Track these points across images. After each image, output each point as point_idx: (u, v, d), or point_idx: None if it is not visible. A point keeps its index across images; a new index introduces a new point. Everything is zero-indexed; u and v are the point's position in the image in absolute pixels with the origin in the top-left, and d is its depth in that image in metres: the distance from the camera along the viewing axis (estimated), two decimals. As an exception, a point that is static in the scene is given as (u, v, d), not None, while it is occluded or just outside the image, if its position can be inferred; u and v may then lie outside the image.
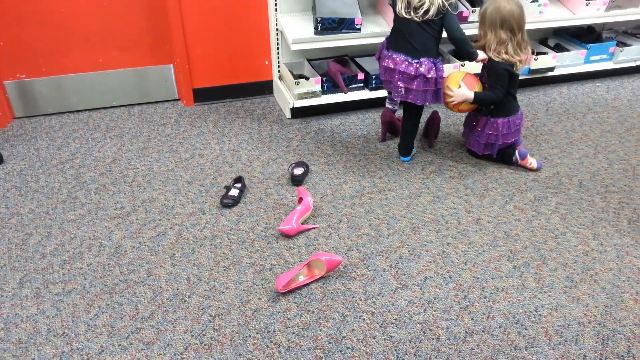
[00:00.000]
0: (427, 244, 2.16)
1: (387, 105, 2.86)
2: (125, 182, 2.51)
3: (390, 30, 2.49)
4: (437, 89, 2.43)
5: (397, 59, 2.38)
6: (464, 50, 2.44)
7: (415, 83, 2.39)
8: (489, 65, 2.51)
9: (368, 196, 2.44)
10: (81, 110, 3.10)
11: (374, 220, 2.29)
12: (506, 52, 2.43)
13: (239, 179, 2.45)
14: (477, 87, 2.49)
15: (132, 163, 2.65)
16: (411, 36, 2.35)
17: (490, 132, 2.58)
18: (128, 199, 2.39)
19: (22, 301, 1.87)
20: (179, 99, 3.24)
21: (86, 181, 2.51)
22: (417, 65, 2.36)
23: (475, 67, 3.15)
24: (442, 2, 2.26)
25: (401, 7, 2.32)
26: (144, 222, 2.25)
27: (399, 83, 2.42)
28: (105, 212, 2.31)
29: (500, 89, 2.47)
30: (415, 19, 2.30)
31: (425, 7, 2.26)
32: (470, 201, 2.42)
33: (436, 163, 2.69)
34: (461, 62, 3.14)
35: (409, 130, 2.64)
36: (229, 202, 2.32)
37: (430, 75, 2.37)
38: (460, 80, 2.46)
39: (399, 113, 2.88)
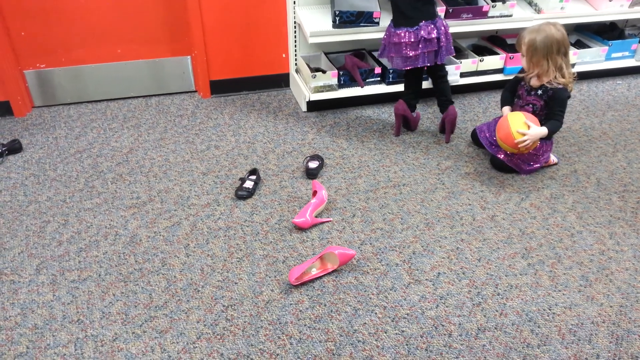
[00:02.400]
0: (441, 240, 2.15)
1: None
2: (141, 172, 2.53)
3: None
4: (439, 47, 2.57)
5: (401, 33, 2.54)
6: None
7: (419, 47, 2.54)
8: (549, 93, 2.43)
9: (382, 191, 2.43)
10: (99, 101, 3.14)
11: (387, 215, 2.28)
12: (563, 77, 2.40)
13: (253, 171, 2.46)
14: (537, 121, 2.43)
15: (149, 153, 2.67)
16: (404, 5, 2.51)
17: (535, 153, 2.52)
18: (144, 189, 2.41)
19: (38, 287, 1.90)
20: (195, 91, 3.26)
21: (103, 170, 2.54)
22: (418, 31, 2.51)
23: (496, 62, 3.13)
24: None
25: None
26: (159, 212, 2.27)
27: (408, 53, 2.56)
28: (122, 201, 2.33)
29: (563, 115, 2.45)
30: None
31: None
32: (485, 198, 2.40)
33: (452, 159, 2.68)
34: (480, 58, 3.11)
35: (411, 93, 2.79)
36: (243, 194, 2.34)
37: (433, 36, 2.52)
38: (525, 121, 2.38)
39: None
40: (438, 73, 2.73)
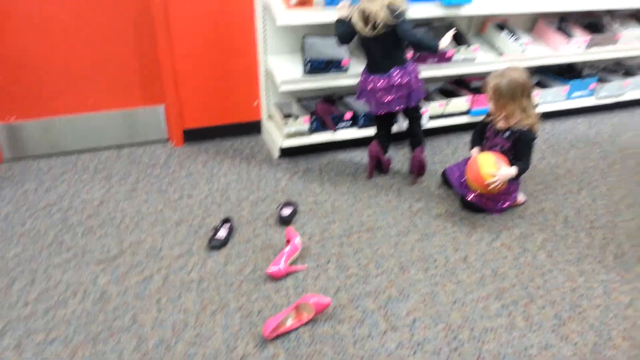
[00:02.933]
0: (416, 284, 2.16)
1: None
2: (112, 224, 2.50)
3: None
4: (411, 91, 2.66)
5: (374, 79, 2.63)
6: (425, 49, 2.61)
7: (392, 92, 2.63)
8: (516, 135, 2.50)
9: (356, 235, 2.44)
10: (70, 152, 3.11)
11: (362, 259, 2.29)
12: (529, 118, 2.49)
13: (227, 220, 2.45)
14: (506, 161, 2.50)
15: (120, 205, 2.65)
16: (376, 54, 2.60)
17: (504, 193, 2.57)
18: (115, 242, 2.38)
19: (2, 351, 1.84)
20: (168, 140, 3.26)
21: (73, 224, 2.50)
22: (390, 77, 2.60)
23: (462, 105, 3.22)
24: (387, 15, 2.42)
25: (361, 24, 2.51)
26: (130, 265, 2.23)
27: (382, 99, 2.64)
28: (92, 255, 2.29)
29: (530, 156, 2.54)
30: (370, 36, 2.50)
31: (372, 22, 2.46)
32: (457, 239, 2.44)
33: (423, 200, 2.72)
34: (446, 100, 3.20)
35: (383, 135, 2.87)
36: (217, 244, 2.32)
37: (404, 81, 2.60)
38: (495, 162, 2.45)
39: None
40: (412, 115, 2.82)
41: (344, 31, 2.62)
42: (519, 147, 2.53)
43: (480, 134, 2.71)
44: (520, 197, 2.69)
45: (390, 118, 2.84)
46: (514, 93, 2.45)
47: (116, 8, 2.81)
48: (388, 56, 2.59)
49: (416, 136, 2.86)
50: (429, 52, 2.71)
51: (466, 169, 2.55)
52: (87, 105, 3.03)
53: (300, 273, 2.20)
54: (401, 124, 3.00)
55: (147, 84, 3.07)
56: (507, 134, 2.54)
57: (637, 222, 2.57)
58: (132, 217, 2.55)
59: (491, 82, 2.48)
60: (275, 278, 2.16)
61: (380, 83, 2.62)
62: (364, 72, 2.71)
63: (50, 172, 2.93)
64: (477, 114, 3.22)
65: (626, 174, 2.99)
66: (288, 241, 2.28)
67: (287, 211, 2.53)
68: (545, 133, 3.44)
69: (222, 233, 2.36)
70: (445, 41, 2.59)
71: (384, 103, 2.66)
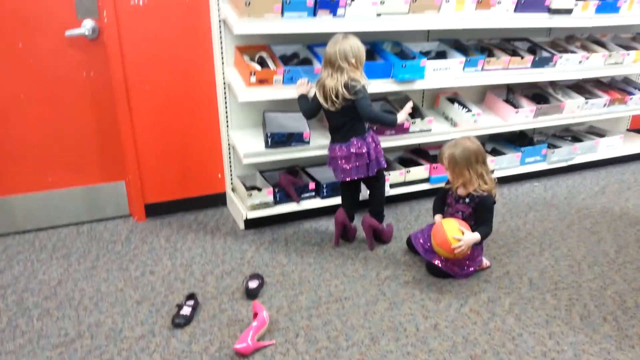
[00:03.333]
0: (387, 355, 2.11)
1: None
2: (70, 306, 2.39)
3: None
4: (369, 161, 2.71)
5: (336, 148, 2.72)
6: (383, 124, 2.78)
7: (352, 160, 2.69)
8: (476, 201, 2.59)
9: (325, 306, 2.40)
10: (28, 231, 3.01)
11: (332, 332, 2.24)
12: (486, 183, 2.58)
13: (191, 296, 2.38)
14: (468, 227, 2.56)
15: (79, 284, 2.54)
16: (337, 125, 2.69)
17: (469, 257, 2.62)
18: (73, 324, 2.26)
19: None
20: (130, 215, 3.20)
21: (29, 307, 2.37)
22: (349, 146, 2.67)
23: (422, 173, 3.31)
24: (343, 90, 2.53)
25: (321, 99, 2.61)
26: (89, 349, 2.11)
27: (343, 166, 2.71)
28: (48, 340, 2.16)
29: (491, 220, 2.62)
30: (331, 109, 2.60)
31: (332, 97, 2.56)
32: (426, 306, 2.42)
33: (390, 268, 2.72)
34: (407, 169, 3.28)
35: (349, 203, 2.90)
36: (180, 322, 2.24)
37: (363, 151, 2.67)
38: (460, 227, 2.51)
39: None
40: (372, 183, 2.86)
41: (309, 107, 2.73)
42: (480, 213, 2.60)
43: (442, 200, 2.78)
44: (485, 262, 2.73)
45: (356, 186, 2.88)
46: (468, 161, 2.55)
47: (75, 85, 2.84)
48: (348, 127, 2.66)
49: (372, 204, 2.90)
50: (387, 127, 2.85)
51: (432, 234, 2.59)
52: (46, 183, 2.97)
53: (268, 348, 2.13)
54: (364, 192, 3.04)
55: (107, 160, 3.05)
56: (468, 200, 2.62)
57: (599, 281, 2.63)
58: (91, 297, 2.44)
59: (446, 152, 2.59)
60: (243, 355, 2.08)
61: (341, 151, 2.69)
62: (330, 142, 2.79)
63: (5, 252, 2.80)
64: (437, 181, 3.31)
65: (584, 234, 3.08)
66: (255, 315, 2.22)
67: (253, 284, 2.48)
68: (503, 197, 3.55)
69: (186, 310, 2.28)
70: (403, 115, 2.75)
71: (345, 170, 2.72)
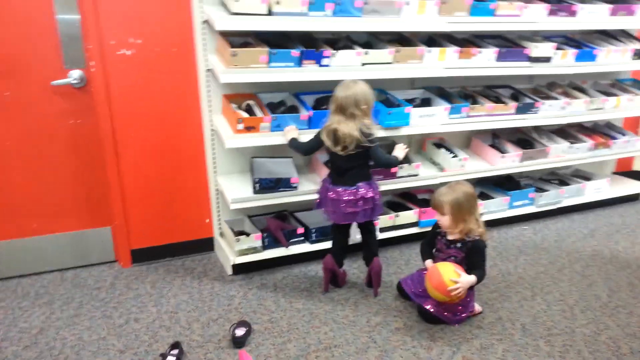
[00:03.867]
0: (378, 404, 2.05)
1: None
2: (51, 355, 2.31)
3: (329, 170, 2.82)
4: (374, 205, 2.73)
5: (340, 191, 2.68)
6: (393, 166, 2.98)
7: (359, 205, 2.67)
8: (469, 245, 2.58)
9: (314, 355, 2.34)
10: (10, 278, 2.94)
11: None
12: (479, 227, 2.59)
13: (176, 345, 2.31)
14: (463, 270, 2.54)
15: (61, 333, 2.47)
16: (344, 168, 2.67)
17: (461, 303, 2.59)
18: (52, 376, 2.18)
19: None
20: (116, 261, 3.15)
21: (7, 357, 2.29)
22: (356, 190, 2.66)
23: (411, 217, 3.30)
24: (360, 137, 2.55)
25: (330, 142, 2.61)
26: (67, 401, 2.03)
27: (346, 210, 2.68)
28: (24, 392, 2.08)
29: (485, 264, 2.61)
30: (341, 153, 2.59)
31: (345, 143, 2.57)
32: (418, 354, 2.37)
33: (381, 314, 2.67)
34: (396, 213, 3.28)
35: (338, 248, 2.87)
36: (164, 372, 2.17)
37: (369, 195, 2.68)
38: (456, 270, 2.50)
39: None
40: (368, 227, 2.86)
41: (308, 145, 2.73)
42: (473, 257, 2.58)
43: (430, 245, 2.76)
44: (477, 307, 2.69)
45: (346, 230, 2.86)
46: (471, 205, 2.56)
47: (61, 133, 2.85)
48: (356, 172, 2.67)
49: (371, 249, 2.87)
50: (392, 166, 2.98)
51: (426, 277, 2.55)
52: (30, 229, 2.93)
53: (255, 399, 2.06)
54: (354, 237, 3.02)
55: (93, 206, 3.03)
56: (460, 244, 2.60)
57: (592, 326, 2.60)
58: (72, 347, 2.37)
59: (446, 198, 2.55)
60: (228, 406, 2.00)
61: (346, 195, 2.66)
62: (325, 182, 2.76)
63: (-16, 301, 2.74)
64: (426, 224, 3.31)
65: (576, 278, 3.06)
66: (241, 364, 2.15)
67: (240, 332, 2.42)
68: (493, 241, 3.54)
69: None
70: (401, 153, 2.82)
71: (348, 214, 2.69)
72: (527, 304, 2.79)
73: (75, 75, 2.78)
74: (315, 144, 2.70)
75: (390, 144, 3.34)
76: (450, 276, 2.46)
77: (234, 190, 2.94)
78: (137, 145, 2.96)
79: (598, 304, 2.80)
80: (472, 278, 2.49)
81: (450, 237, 2.62)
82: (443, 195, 2.57)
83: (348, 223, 2.79)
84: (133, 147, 2.95)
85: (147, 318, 2.60)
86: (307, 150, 2.77)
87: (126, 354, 2.33)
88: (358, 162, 2.66)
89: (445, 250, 2.64)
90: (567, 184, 4.02)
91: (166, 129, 2.99)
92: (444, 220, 2.58)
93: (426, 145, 3.58)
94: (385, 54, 2.99)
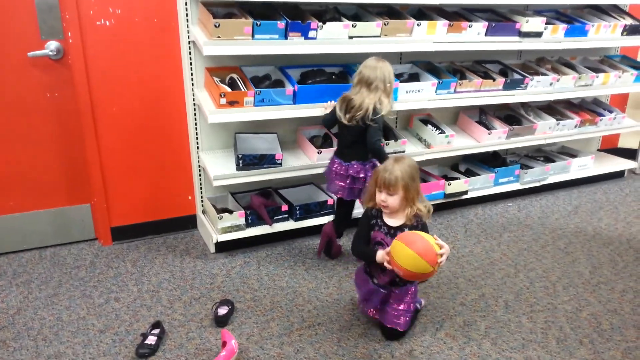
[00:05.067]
0: (361, 383, 2.04)
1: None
2: (29, 336, 2.26)
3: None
4: (363, 188, 2.64)
5: (335, 162, 2.74)
6: (379, 159, 2.64)
7: (347, 182, 2.68)
8: (419, 228, 2.21)
9: (297, 333, 2.32)
10: (-15, 256, 2.88)
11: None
12: (425, 205, 2.24)
13: (157, 324, 2.28)
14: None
15: (39, 313, 2.42)
16: (345, 142, 2.71)
17: (410, 299, 2.28)
18: (31, 356, 2.14)
19: None
20: (96, 239, 3.09)
21: (-18, 338, 2.24)
22: (348, 167, 2.68)
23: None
24: (369, 111, 2.53)
25: (341, 111, 2.63)
26: (46, 383, 2.00)
27: (336, 182, 2.73)
28: (1, 374, 2.04)
29: None
30: (346, 123, 2.60)
31: (353, 113, 2.57)
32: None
33: (365, 292, 2.65)
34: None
35: (339, 219, 2.89)
36: (145, 352, 2.13)
37: (360, 176, 2.66)
38: (432, 235, 2.12)
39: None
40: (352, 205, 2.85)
41: (328, 118, 2.77)
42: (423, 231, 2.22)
43: (366, 241, 2.30)
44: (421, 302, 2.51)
45: (347, 203, 2.85)
46: (418, 181, 2.24)
47: (39, 107, 2.76)
48: (355, 149, 2.68)
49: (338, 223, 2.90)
50: (378, 157, 2.69)
51: (404, 247, 2.03)
52: (7, 206, 2.85)
53: (237, 379, 2.05)
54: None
55: (72, 182, 2.95)
56: (407, 229, 2.20)
57: (574, 303, 2.61)
58: (51, 327, 2.32)
59: (398, 172, 2.14)
60: (210, 387, 1.99)
61: (339, 168, 2.70)
62: (334, 153, 2.81)
63: (-41, 280, 2.67)
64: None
65: (559, 255, 3.08)
66: (224, 344, 2.13)
67: (223, 310, 2.39)
68: (477, 217, 3.53)
69: (151, 339, 2.18)
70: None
71: (337, 187, 2.73)
72: (510, 281, 2.80)
73: (52, 46, 2.68)
74: (332, 115, 2.71)
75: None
76: (433, 240, 2.07)
77: (217, 166, 2.88)
78: (117, 119, 2.87)
79: (580, 281, 2.81)
80: (447, 247, 2.09)
81: (393, 224, 2.23)
82: (393, 170, 2.15)
83: (342, 198, 2.78)
84: (113, 121, 2.86)
85: (127, 297, 2.55)
86: (325, 120, 2.80)
87: (106, 333, 2.29)
88: (358, 139, 2.64)
89: (390, 240, 2.17)
90: (553, 161, 4.02)
91: (147, 104, 2.90)
92: (393, 201, 2.17)
93: (413, 122, 3.53)
94: (373, 26, 2.91)
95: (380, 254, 2.17)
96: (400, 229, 2.20)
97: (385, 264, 2.13)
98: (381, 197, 2.19)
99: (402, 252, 2.04)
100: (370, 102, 2.56)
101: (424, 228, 2.22)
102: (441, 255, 2.04)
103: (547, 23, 3.43)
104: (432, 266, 2.03)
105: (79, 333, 2.29)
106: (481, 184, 3.61)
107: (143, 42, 2.79)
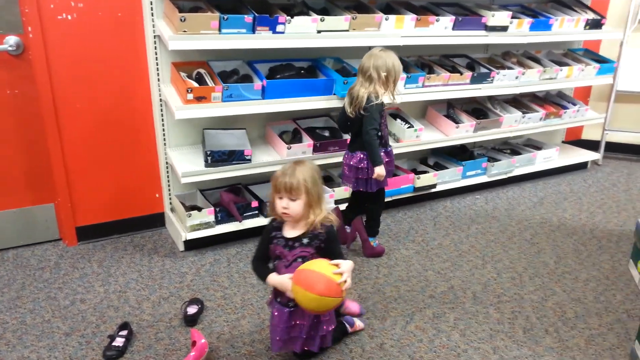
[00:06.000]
0: (332, 378, 2.05)
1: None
2: (-10, 341, 2.20)
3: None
4: (368, 178, 2.75)
5: (345, 155, 2.84)
6: (370, 152, 2.68)
7: (353, 172, 2.78)
8: (322, 237, 1.98)
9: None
10: (-57, 259, 2.78)
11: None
12: (327, 211, 2.02)
13: (124, 325, 2.24)
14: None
15: (1, 316, 2.35)
16: (352, 133, 2.80)
17: (328, 318, 2.07)
18: (-8, 362, 2.08)
19: None
20: (60, 239, 3.01)
21: (-59, 344, 2.17)
22: (352, 158, 2.77)
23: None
24: (363, 100, 2.62)
25: (346, 103, 2.72)
26: (9, 389, 1.95)
27: (346, 172, 2.84)
28: (-38, 381, 1.98)
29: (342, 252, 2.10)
30: (349, 114, 2.68)
31: (355, 104, 2.66)
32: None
33: (336, 287, 2.66)
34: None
35: (349, 207, 3.01)
36: (112, 354, 2.09)
37: (360, 166, 2.74)
38: (323, 261, 1.92)
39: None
40: (371, 199, 2.91)
41: (338, 118, 2.89)
42: (334, 246, 2.00)
43: (264, 258, 2.05)
44: (358, 323, 2.33)
45: (361, 197, 2.91)
46: (318, 182, 1.98)
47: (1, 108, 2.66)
48: (356, 139, 2.76)
49: (367, 218, 2.98)
50: (369, 157, 2.69)
51: (300, 290, 1.83)
52: (-35, 206, 2.76)
53: (208, 379, 2.03)
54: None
55: (35, 181, 2.87)
56: (306, 240, 1.97)
57: (540, 293, 2.67)
58: (14, 331, 2.26)
59: (301, 175, 1.91)
60: (180, 387, 1.96)
61: (346, 159, 2.82)
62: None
63: None
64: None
65: (525, 246, 3.14)
66: (193, 344, 2.10)
67: (192, 309, 2.37)
68: (446, 210, 3.58)
69: (118, 341, 2.14)
70: (382, 171, 2.70)
71: (347, 178, 2.84)
72: (478, 272, 2.84)
73: (11, 41, 2.60)
74: (342, 114, 2.78)
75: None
76: (329, 269, 1.86)
77: (184, 163, 2.84)
78: (80, 116, 2.80)
79: (545, 271, 2.88)
80: (349, 262, 1.91)
81: (291, 235, 1.98)
82: (295, 173, 1.92)
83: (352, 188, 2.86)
84: (76, 118, 2.79)
85: (94, 298, 2.50)
86: (337, 122, 2.91)
87: (72, 336, 2.24)
88: (359, 129, 2.69)
89: (288, 254, 1.97)
90: (519, 154, 4.10)
91: (112, 100, 2.84)
92: (296, 207, 1.92)
93: (382, 116, 3.54)
94: (341, 20, 2.90)
95: (279, 281, 1.95)
96: (300, 239, 1.97)
97: (288, 294, 1.92)
98: (282, 203, 1.93)
99: (304, 298, 1.83)
100: (365, 91, 2.63)
101: (330, 233, 1.98)
102: (345, 281, 1.85)
103: (512, 17, 3.48)
104: (339, 297, 1.86)
105: (43, 336, 2.23)
106: (450, 177, 3.66)
107: (107, 36, 2.73)
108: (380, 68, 2.62)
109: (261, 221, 3.02)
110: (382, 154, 2.73)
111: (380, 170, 2.69)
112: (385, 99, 2.70)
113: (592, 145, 4.60)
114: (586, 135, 4.76)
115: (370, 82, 2.64)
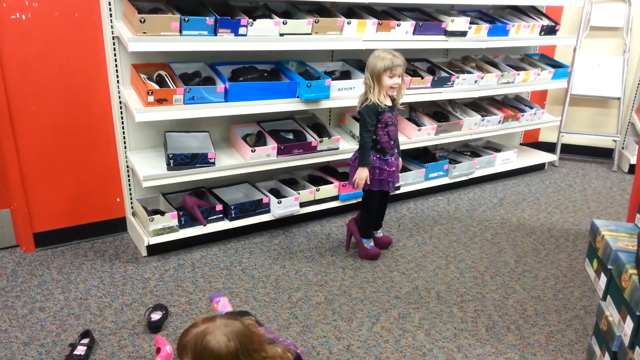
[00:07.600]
0: (300, 381, 2.05)
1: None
2: (-59, 354, 2.10)
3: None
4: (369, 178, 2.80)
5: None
6: (360, 154, 2.76)
7: (351, 171, 2.87)
8: None
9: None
10: None
11: None
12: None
13: (86, 333, 2.18)
14: None
15: (-47, 328, 2.26)
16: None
17: None
18: (-56, 376, 1.99)
19: None
20: (17, 246, 2.91)
21: None
22: (353, 158, 2.85)
23: (331, 191, 3.30)
24: (359, 104, 2.72)
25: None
26: (-38, 403, 1.86)
27: (351, 172, 2.89)
28: None
29: None
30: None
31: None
32: (339, 327, 2.39)
33: (302, 290, 2.66)
34: (316, 188, 3.26)
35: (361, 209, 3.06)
36: (73, 364, 2.04)
37: (353, 165, 2.82)
38: None
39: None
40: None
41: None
42: None
43: None
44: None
45: (379, 196, 2.94)
46: (252, 340, 1.41)
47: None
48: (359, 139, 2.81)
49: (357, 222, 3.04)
50: (358, 158, 2.77)
51: None
52: None
53: (173, 385, 1.99)
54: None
55: (-11, 186, 2.76)
56: None
57: (501, 291, 2.74)
58: (-33, 343, 2.17)
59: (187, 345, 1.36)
60: (144, 395, 1.92)
61: (352, 159, 2.89)
62: None
63: None
64: (346, 198, 3.34)
65: (486, 246, 3.21)
66: (158, 351, 2.07)
67: (156, 316, 2.32)
68: (410, 212, 3.63)
69: (80, 349, 2.08)
70: (363, 175, 2.75)
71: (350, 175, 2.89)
72: (442, 272, 2.89)
73: (-41, 41, 2.49)
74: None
75: (310, 116, 3.31)
76: None
77: (146, 166, 2.79)
78: (36, 119, 2.71)
79: (506, 270, 2.95)
80: None
81: None
82: (187, 343, 1.37)
83: (381, 190, 2.88)
84: (32, 121, 2.71)
85: (53, 306, 2.42)
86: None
87: (31, 346, 2.16)
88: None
89: None
90: (479, 156, 4.19)
91: (70, 102, 2.76)
92: None
93: (346, 118, 3.57)
94: (304, 24, 2.91)
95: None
96: None
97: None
98: None
99: None
100: (361, 94, 2.75)
101: None
102: None
103: (471, 23, 3.57)
104: None
105: (0, 347, 2.15)
106: (413, 179, 3.71)
107: (63, 37, 2.66)
108: (367, 71, 2.70)
109: (226, 225, 2.99)
110: (374, 158, 2.77)
111: (360, 172, 2.75)
112: (387, 101, 2.74)
113: (548, 147, 4.75)
114: (543, 137, 4.91)
115: (365, 85, 2.73)
